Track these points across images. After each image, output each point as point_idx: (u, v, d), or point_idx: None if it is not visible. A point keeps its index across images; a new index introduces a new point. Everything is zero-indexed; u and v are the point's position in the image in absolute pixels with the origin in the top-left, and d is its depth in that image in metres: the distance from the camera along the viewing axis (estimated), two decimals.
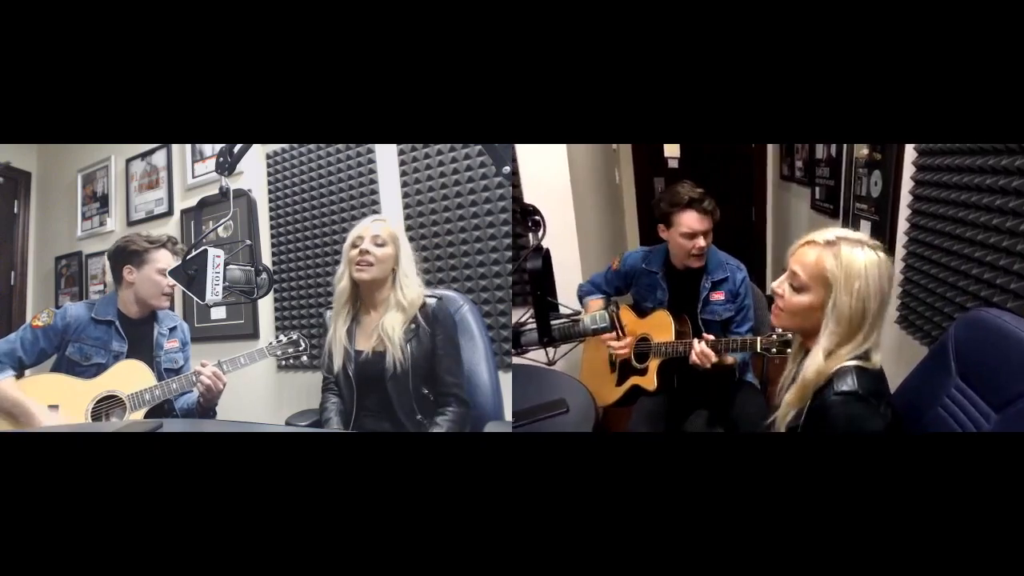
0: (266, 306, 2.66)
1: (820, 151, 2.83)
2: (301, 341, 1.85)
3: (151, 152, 3.17)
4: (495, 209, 2.03)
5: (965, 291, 1.51)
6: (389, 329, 1.52)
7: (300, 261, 2.55)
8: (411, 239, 2.19)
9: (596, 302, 2.02)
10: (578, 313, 1.06)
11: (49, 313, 1.74)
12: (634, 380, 1.87)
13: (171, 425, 1.31)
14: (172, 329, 1.90)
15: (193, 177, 2.96)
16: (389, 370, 1.50)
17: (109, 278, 3.31)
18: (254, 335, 2.68)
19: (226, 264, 1.26)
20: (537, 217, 1.01)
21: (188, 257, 1.23)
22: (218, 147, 1.50)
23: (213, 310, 2.79)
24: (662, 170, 4.19)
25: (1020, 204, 1.29)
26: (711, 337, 1.64)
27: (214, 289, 1.23)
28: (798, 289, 1.07)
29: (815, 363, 1.03)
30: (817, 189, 2.89)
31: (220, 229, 2.48)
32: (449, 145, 2.13)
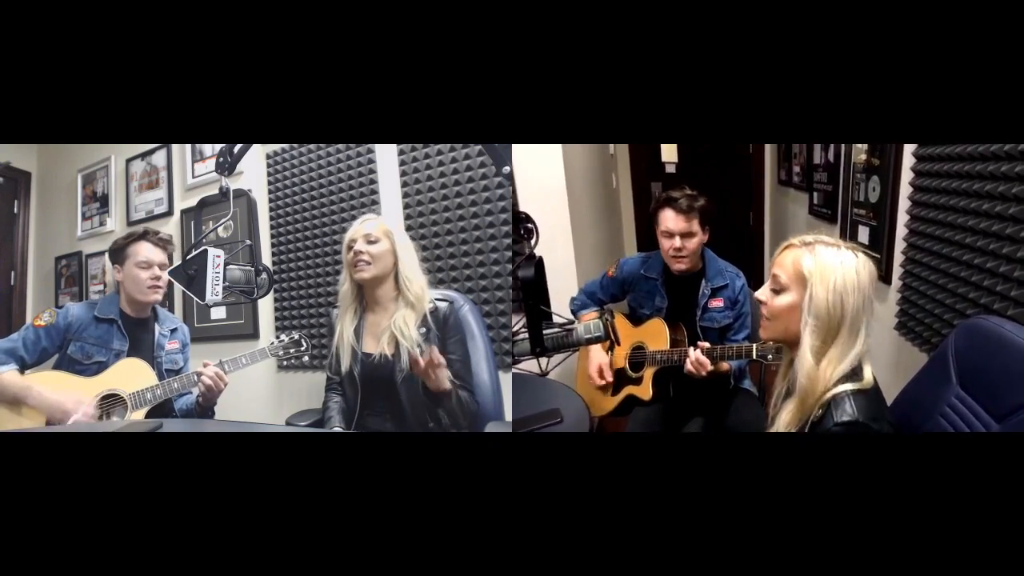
0: (266, 306, 2.66)
1: (818, 156, 2.82)
2: (303, 341, 1.86)
3: (151, 152, 3.17)
4: (495, 209, 2.03)
5: (964, 298, 1.50)
6: (403, 327, 1.50)
7: (300, 261, 2.55)
8: (411, 239, 2.19)
9: (590, 315, 1.97)
10: (571, 322, 1.04)
11: (51, 313, 1.75)
12: (629, 389, 1.86)
13: (171, 425, 1.31)
14: (173, 330, 1.91)
15: (193, 177, 2.96)
16: (404, 371, 1.49)
17: (109, 278, 3.33)
18: (254, 335, 2.68)
19: (226, 264, 1.26)
20: (530, 224, 1.00)
21: (188, 257, 1.23)
22: (218, 147, 1.50)
23: (213, 310, 2.79)
24: (659, 175, 4.18)
25: (1020, 210, 1.27)
26: (706, 345, 1.62)
27: (214, 289, 1.23)
28: (778, 291, 1.08)
29: (805, 366, 1.02)
30: (815, 194, 2.87)
31: (220, 229, 2.49)
32: (449, 145, 2.13)
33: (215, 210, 2.17)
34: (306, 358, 1.87)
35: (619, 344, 1.89)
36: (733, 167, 4.22)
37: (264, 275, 1.36)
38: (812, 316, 1.02)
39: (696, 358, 1.60)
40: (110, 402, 1.65)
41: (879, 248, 2.00)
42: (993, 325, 1.08)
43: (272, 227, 2.63)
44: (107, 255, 1.87)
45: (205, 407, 1.73)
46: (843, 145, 2.45)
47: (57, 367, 1.73)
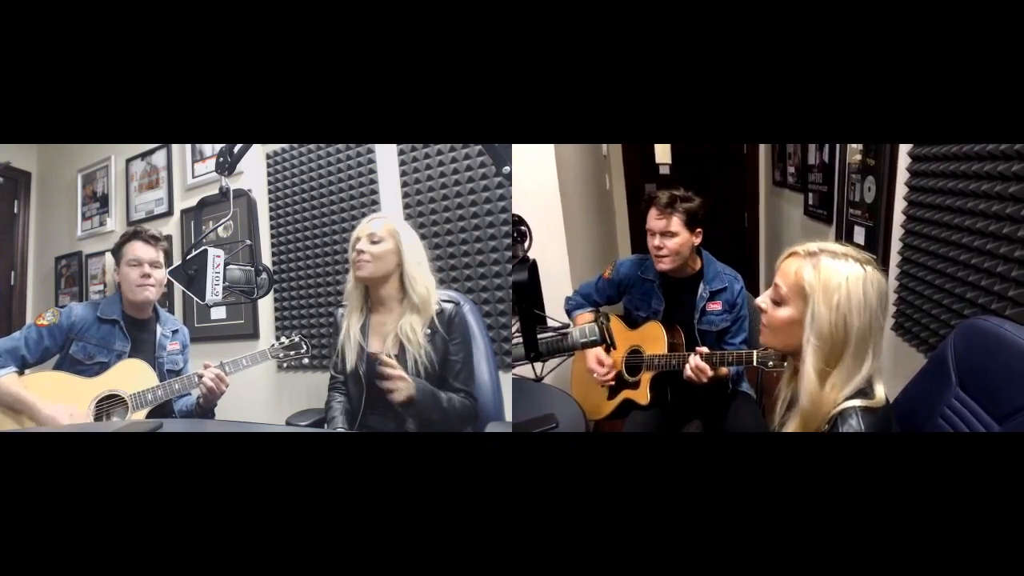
0: (266, 306, 2.66)
1: (812, 157, 2.81)
2: (303, 344, 1.85)
3: (151, 152, 3.17)
4: (495, 209, 2.02)
5: (962, 298, 1.49)
6: (409, 331, 1.50)
7: (300, 261, 2.55)
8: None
9: (585, 316, 1.96)
10: (566, 326, 1.03)
11: (54, 312, 1.75)
12: (626, 394, 1.84)
13: (171, 425, 1.31)
14: (175, 332, 1.91)
15: (193, 177, 2.96)
16: (410, 372, 1.49)
17: (109, 278, 3.33)
18: (254, 335, 2.68)
19: (226, 264, 1.26)
20: (523, 228, 0.99)
21: (188, 257, 1.23)
22: (218, 147, 1.50)
23: (213, 310, 2.79)
24: (653, 176, 4.18)
25: (1017, 209, 1.27)
26: (705, 350, 1.61)
27: (214, 289, 1.23)
28: (778, 303, 1.03)
29: (808, 387, 0.97)
30: (810, 195, 2.87)
31: (220, 229, 2.49)
32: (449, 145, 2.13)
33: (215, 210, 2.17)
34: (306, 360, 1.87)
35: (615, 348, 1.87)
36: (727, 168, 4.22)
37: (264, 275, 1.36)
38: (814, 335, 0.96)
39: (696, 364, 1.58)
40: (111, 403, 1.65)
41: (875, 248, 1.99)
42: (992, 325, 1.06)
43: (272, 227, 2.63)
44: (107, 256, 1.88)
45: (206, 408, 1.74)
46: (838, 145, 2.45)
47: (58, 367, 1.73)
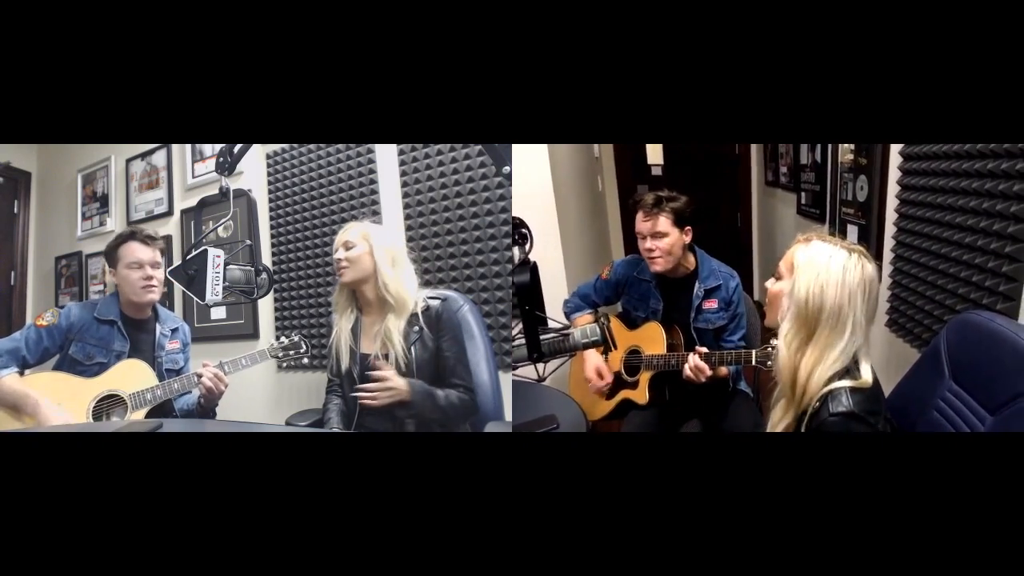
0: (266, 306, 2.66)
1: (805, 156, 2.83)
2: (303, 344, 1.85)
3: (151, 152, 3.17)
4: (495, 209, 2.02)
5: (954, 293, 1.51)
6: (390, 332, 1.52)
7: (300, 261, 2.55)
8: (411, 239, 2.19)
9: (585, 318, 1.95)
10: (567, 327, 1.04)
11: (54, 312, 1.75)
12: (625, 394, 1.84)
13: (171, 425, 1.31)
14: (174, 330, 1.91)
15: (193, 177, 2.96)
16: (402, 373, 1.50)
17: (109, 278, 3.33)
18: (254, 335, 2.68)
19: (226, 264, 1.26)
20: (524, 230, 1.00)
21: (188, 257, 1.23)
22: (218, 147, 1.50)
23: (213, 310, 2.79)
24: (646, 178, 4.18)
25: (1006, 207, 1.29)
26: (704, 350, 1.61)
27: (214, 289, 1.23)
28: (777, 279, 1.12)
29: (781, 353, 1.05)
30: (803, 194, 2.88)
31: (220, 229, 2.49)
32: (449, 145, 2.13)
33: (215, 210, 2.17)
34: (306, 360, 1.87)
35: (615, 348, 1.88)
36: (720, 169, 4.23)
37: (264, 275, 1.36)
38: (793, 303, 1.05)
39: (695, 364, 1.58)
40: (110, 402, 1.65)
41: (867, 246, 2.01)
42: (984, 319, 1.09)
43: (272, 227, 2.63)
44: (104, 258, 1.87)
45: (207, 408, 1.74)
46: (830, 145, 2.46)
47: (58, 368, 1.73)
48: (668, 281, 1.85)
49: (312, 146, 2.50)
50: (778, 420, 1.08)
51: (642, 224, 1.74)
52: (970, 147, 1.44)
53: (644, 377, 1.80)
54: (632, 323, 1.92)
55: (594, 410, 1.91)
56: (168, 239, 2.98)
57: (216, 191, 1.31)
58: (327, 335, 1.69)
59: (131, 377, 1.69)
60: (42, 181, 3.78)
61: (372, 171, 2.34)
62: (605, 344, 1.02)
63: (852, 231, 2.20)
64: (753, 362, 1.48)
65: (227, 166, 1.30)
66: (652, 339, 1.81)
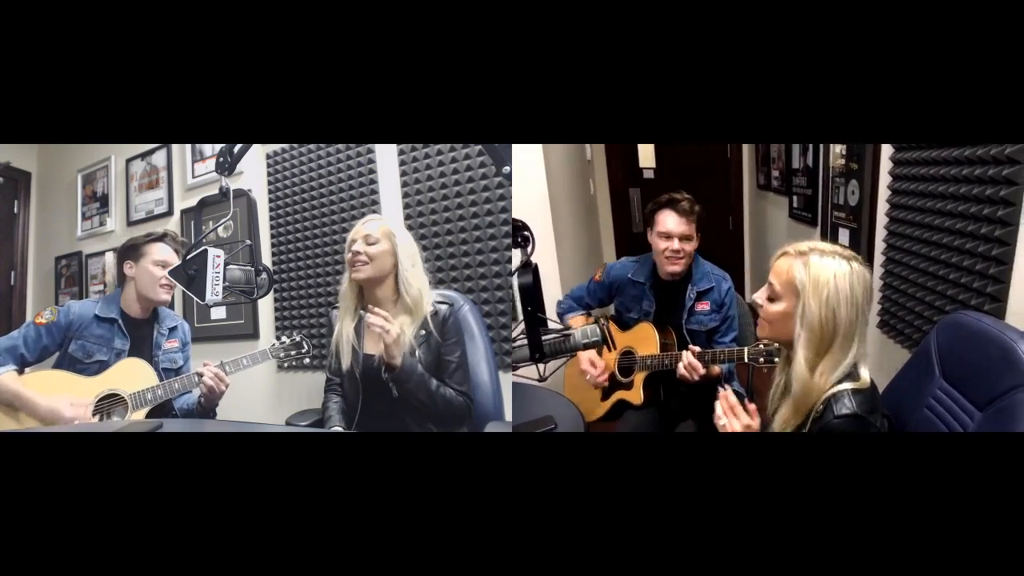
0: (266, 306, 2.67)
1: (797, 161, 2.84)
2: (304, 343, 1.85)
3: (151, 152, 3.18)
4: (495, 209, 2.03)
5: (943, 295, 1.55)
6: (404, 334, 1.49)
7: (300, 261, 2.55)
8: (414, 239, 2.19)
9: (578, 319, 1.97)
10: (568, 328, 1.05)
11: (53, 310, 1.74)
12: (620, 394, 1.85)
13: (171, 425, 1.31)
14: (172, 329, 1.91)
15: (193, 177, 2.96)
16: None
17: (109, 278, 3.32)
18: (254, 335, 2.69)
19: (226, 264, 1.26)
20: (526, 233, 1.01)
21: (188, 257, 1.23)
22: (218, 147, 1.50)
23: (213, 310, 2.79)
24: (638, 180, 4.19)
25: (993, 211, 1.33)
26: (697, 349, 1.62)
27: (214, 289, 1.23)
28: (773, 299, 1.10)
29: (800, 377, 1.05)
30: (795, 198, 2.90)
31: (220, 229, 2.49)
32: (449, 145, 2.13)
33: (215, 210, 2.17)
34: (307, 360, 1.86)
35: (615, 348, 1.88)
36: (712, 172, 4.23)
37: (264, 275, 1.36)
38: (806, 328, 1.04)
39: (688, 362, 1.59)
40: (111, 402, 1.65)
41: (859, 250, 2.05)
42: (973, 319, 1.13)
43: (272, 227, 2.63)
44: (117, 252, 1.86)
45: (207, 408, 1.73)
46: (821, 150, 2.48)
47: (58, 366, 1.73)
48: (662, 283, 1.86)
49: (312, 146, 2.50)
50: (784, 419, 1.09)
51: (676, 225, 1.74)
52: (958, 153, 1.48)
53: (638, 377, 1.81)
54: (625, 325, 1.93)
55: (589, 412, 1.91)
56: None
57: (216, 191, 1.31)
58: (327, 335, 1.69)
59: (132, 376, 1.69)
60: (42, 181, 3.78)
61: (372, 171, 2.35)
62: (605, 344, 1.03)
63: (844, 235, 2.23)
64: (746, 359, 1.49)
65: (227, 166, 1.30)
66: (645, 340, 1.82)
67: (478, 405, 1.59)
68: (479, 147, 2.03)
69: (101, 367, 1.70)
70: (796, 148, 2.85)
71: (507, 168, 1.08)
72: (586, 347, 1.03)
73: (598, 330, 1.02)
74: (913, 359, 1.28)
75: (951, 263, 1.52)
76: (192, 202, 2.92)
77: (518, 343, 1.03)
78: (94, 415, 1.62)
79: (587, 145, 3.59)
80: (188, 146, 2.98)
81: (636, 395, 1.80)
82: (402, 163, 2.26)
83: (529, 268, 0.96)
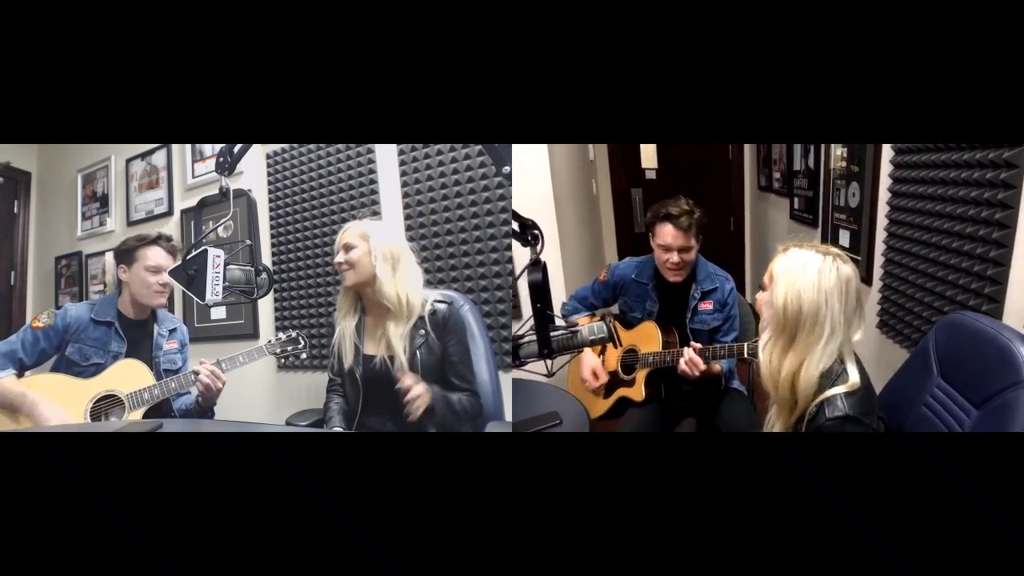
0: (266, 306, 2.66)
1: (798, 162, 2.85)
2: (300, 339, 1.85)
3: (151, 152, 3.17)
4: (495, 209, 2.03)
5: (942, 296, 1.58)
6: (390, 339, 1.50)
7: (300, 261, 2.55)
8: (411, 239, 2.19)
9: (583, 320, 1.97)
10: (575, 325, 1.06)
11: (49, 314, 1.74)
12: (622, 392, 1.87)
13: (171, 425, 1.30)
14: (172, 331, 1.91)
15: (193, 177, 2.96)
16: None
17: (109, 278, 3.32)
18: (254, 335, 2.68)
19: (226, 264, 1.26)
20: (536, 231, 1.02)
21: (188, 257, 1.23)
22: (218, 147, 1.50)
23: (213, 310, 2.79)
24: (640, 181, 4.19)
25: (991, 214, 1.36)
26: (698, 345, 1.64)
27: (214, 289, 1.23)
28: (763, 288, 1.16)
29: (763, 358, 1.10)
30: (796, 200, 2.91)
31: (220, 229, 2.49)
32: (449, 145, 2.13)
33: (215, 210, 2.16)
34: (304, 356, 1.86)
35: (620, 345, 1.90)
36: (713, 173, 4.24)
37: (264, 275, 1.36)
38: (772, 309, 1.09)
39: (690, 357, 1.62)
40: (108, 403, 1.65)
41: (859, 251, 2.07)
42: (970, 320, 1.15)
43: (272, 227, 2.63)
44: (112, 254, 1.86)
45: (205, 407, 1.73)
46: (823, 152, 2.49)
47: (55, 369, 1.72)
48: (665, 283, 1.88)
49: (312, 146, 2.50)
50: (773, 419, 1.13)
51: (674, 239, 1.76)
52: (958, 157, 1.51)
53: (640, 375, 1.82)
54: (628, 324, 1.95)
55: (591, 408, 1.92)
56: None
57: (216, 191, 1.31)
58: (328, 335, 1.69)
59: (128, 377, 1.69)
60: (42, 181, 3.78)
61: (372, 171, 2.35)
62: (612, 340, 1.05)
63: (844, 236, 2.24)
64: (745, 355, 1.53)
65: (227, 166, 1.30)
66: (648, 338, 1.84)
67: (483, 407, 1.59)
68: (479, 147, 2.03)
69: (98, 370, 1.70)
70: (797, 150, 2.86)
71: (507, 168, 1.08)
72: (593, 343, 1.04)
73: (605, 327, 1.03)
74: (912, 358, 1.30)
75: (950, 265, 1.54)
76: (192, 202, 2.92)
77: (527, 339, 1.03)
78: (92, 417, 1.62)
79: (590, 146, 3.60)
80: (188, 146, 2.98)
81: (638, 392, 1.82)
82: (402, 163, 2.26)
83: (538, 266, 0.98)
